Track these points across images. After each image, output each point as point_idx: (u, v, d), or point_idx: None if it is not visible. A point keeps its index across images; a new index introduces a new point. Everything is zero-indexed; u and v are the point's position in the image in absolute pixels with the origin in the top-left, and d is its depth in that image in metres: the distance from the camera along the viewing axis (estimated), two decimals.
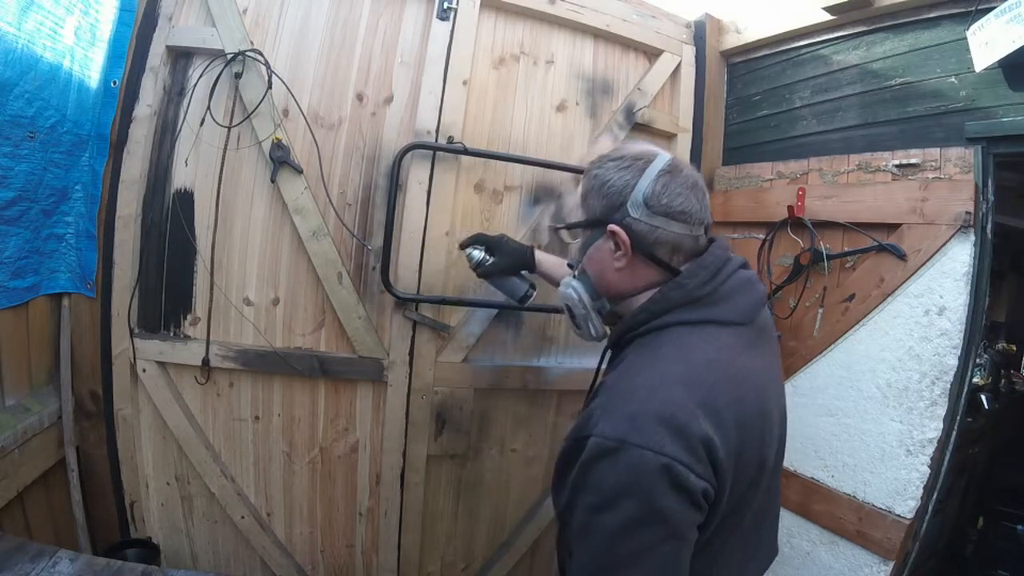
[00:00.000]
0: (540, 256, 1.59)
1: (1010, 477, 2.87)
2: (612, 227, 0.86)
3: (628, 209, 0.86)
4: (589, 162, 0.94)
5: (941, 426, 1.43)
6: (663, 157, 0.88)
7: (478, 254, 1.57)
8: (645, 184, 0.85)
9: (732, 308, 0.86)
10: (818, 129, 1.86)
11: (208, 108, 1.65)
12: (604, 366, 1.01)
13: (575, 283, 0.96)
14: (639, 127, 2.02)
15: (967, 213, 1.40)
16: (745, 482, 0.80)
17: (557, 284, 1.46)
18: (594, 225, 0.90)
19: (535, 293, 1.61)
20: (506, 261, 1.57)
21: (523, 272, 1.60)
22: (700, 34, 2.10)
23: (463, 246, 1.63)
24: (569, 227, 0.96)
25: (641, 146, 0.92)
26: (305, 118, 1.68)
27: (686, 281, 0.85)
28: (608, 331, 0.98)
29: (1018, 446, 3.06)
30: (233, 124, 1.67)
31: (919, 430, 1.45)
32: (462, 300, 1.83)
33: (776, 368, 0.95)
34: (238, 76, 1.62)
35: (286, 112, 1.69)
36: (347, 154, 1.75)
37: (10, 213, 1.36)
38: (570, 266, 1.02)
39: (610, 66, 2.02)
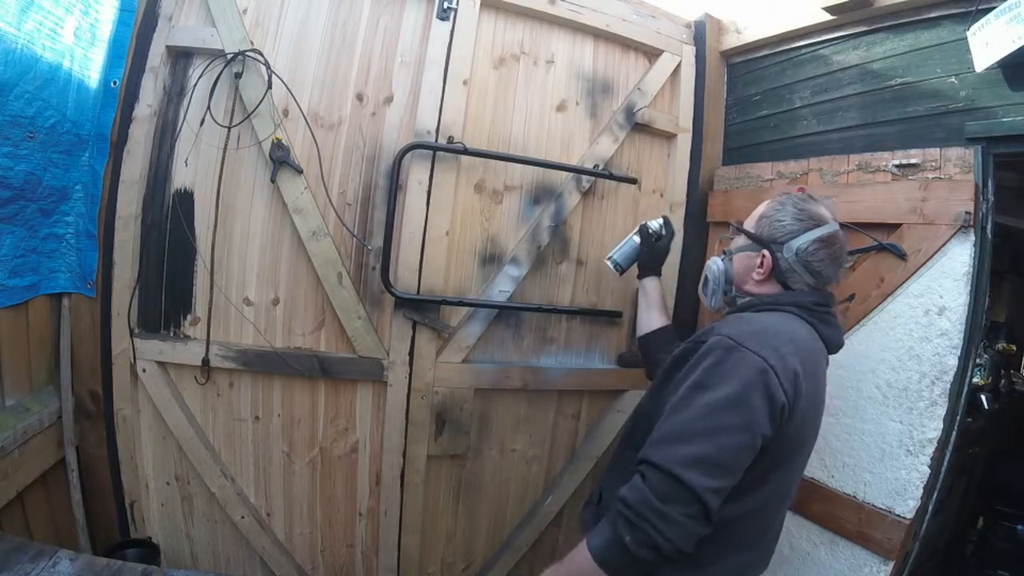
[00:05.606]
0: (655, 284, 1.70)
1: (1010, 477, 2.87)
2: (765, 252, 1.15)
3: (783, 247, 1.13)
4: (784, 192, 1.20)
5: (941, 426, 1.42)
6: (830, 227, 1.14)
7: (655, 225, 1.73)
8: (804, 240, 1.11)
9: (829, 333, 1.13)
10: (818, 129, 1.85)
11: (208, 108, 1.65)
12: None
13: (721, 262, 1.25)
14: (639, 127, 2.02)
15: (967, 213, 1.40)
16: (801, 440, 1.01)
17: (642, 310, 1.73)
18: (756, 241, 1.18)
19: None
20: (652, 257, 1.71)
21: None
22: (700, 34, 2.10)
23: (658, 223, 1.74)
24: (741, 231, 1.24)
25: (822, 211, 1.16)
26: (305, 118, 1.68)
27: (803, 297, 1.12)
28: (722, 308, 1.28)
29: (1018, 446, 3.06)
30: (233, 124, 1.67)
31: (919, 430, 1.45)
32: (462, 300, 1.83)
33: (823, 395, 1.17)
34: (238, 76, 1.62)
35: (286, 112, 1.69)
36: (347, 154, 1.75)
37: (6, 212, 1.36)
38: (725, 252, 1.28)
39: (610, 66, 2.02)
